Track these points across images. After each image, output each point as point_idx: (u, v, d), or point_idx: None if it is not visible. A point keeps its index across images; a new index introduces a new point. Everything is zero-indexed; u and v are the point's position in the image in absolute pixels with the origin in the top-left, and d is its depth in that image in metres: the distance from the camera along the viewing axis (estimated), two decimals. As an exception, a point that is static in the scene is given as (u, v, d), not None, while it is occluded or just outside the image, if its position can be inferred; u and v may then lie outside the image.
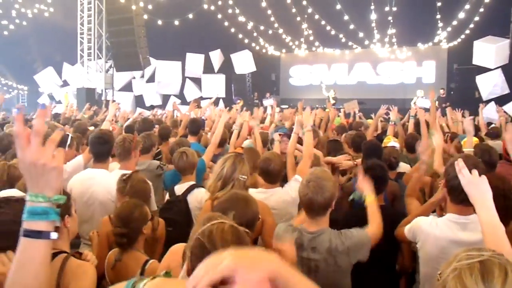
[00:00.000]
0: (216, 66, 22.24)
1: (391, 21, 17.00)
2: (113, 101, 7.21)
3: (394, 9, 16.25)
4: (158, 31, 18.31)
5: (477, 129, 7.03)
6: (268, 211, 3.08)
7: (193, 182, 3.73)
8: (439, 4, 15.80)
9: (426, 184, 3.88)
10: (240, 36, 20.01)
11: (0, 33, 21.05)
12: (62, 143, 1.27)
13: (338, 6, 16.52)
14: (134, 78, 22.60)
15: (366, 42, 19.68)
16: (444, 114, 10.05)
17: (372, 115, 8.48)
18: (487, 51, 16.82)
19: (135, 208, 2.75)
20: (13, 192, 2.67)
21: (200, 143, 5.89)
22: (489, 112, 12.44)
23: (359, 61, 22.19)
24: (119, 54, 17.74)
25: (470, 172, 2.00)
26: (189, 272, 1.53)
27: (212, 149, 4.55)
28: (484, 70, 17.09)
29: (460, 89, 18.18)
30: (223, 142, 5.26)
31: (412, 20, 17.21)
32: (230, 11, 18.17)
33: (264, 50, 22.50)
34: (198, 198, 3.53)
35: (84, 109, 11.33)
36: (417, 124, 6.12)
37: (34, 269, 1.18)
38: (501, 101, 15.00)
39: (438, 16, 16.67)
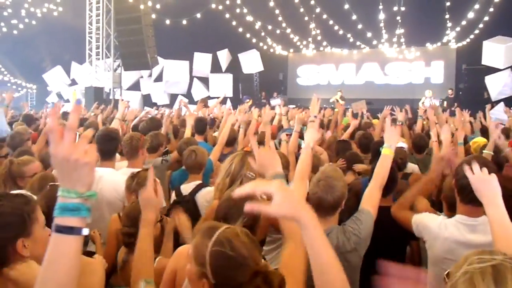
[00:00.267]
0: (224, 66, 22.26)
1: (400, 21, 16.89)
2: (122, 99, 7.18)
3: (403, 9, 16.16)
4: (166, 31, 18.35)
5: (485, 130, 6.99)
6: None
7: (199, 182, 3.72)
8: (448, 3, 15.70)
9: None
10: (248, 35, 19.99)
11: (9, 33, 21.20)
12: None
13: (346, 6, 16.46)
14: (142, 77, 22.67)
15: (374, 42, 19.59)
16: (452, 115, 9.98)
17: (379, 115, 8.46)
18: (497, 51, 16.68)
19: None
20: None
21: (208, 142, 5.90)
22: (498, 113, 12.35)
23: (367, 61, 22.09)
24: (127, 53, 17.81)
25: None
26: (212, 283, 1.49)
27: (219, 149, 4.53)
28: (494, 70, 16.95)
29: (469, 90, 18.03)
30: (232, 141, 5.26)
31: (421, 20, 17.08)
32: (238, 10, 18.16)
33: (271, 50, 22.47)
34: (207, 197, 3.51)
35: (92, 108, 11.38)
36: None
37: (65, 265, 1.18)
38: (510, 101, 14.89)
39: (447, 16, 16.57)
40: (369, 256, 2.53)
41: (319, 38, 20.23)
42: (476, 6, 15.45)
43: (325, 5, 17.73)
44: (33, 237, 1.71)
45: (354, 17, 17.08)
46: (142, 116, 8.29)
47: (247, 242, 1.55)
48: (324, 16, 18.18)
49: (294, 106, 15.47)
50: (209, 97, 19.51)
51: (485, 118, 8.35)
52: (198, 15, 18.06)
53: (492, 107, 11.85)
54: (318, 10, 17.82)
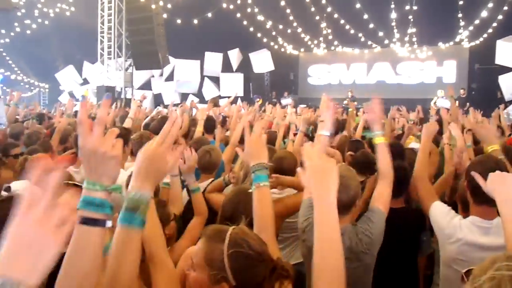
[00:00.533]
0: (235, 65, 22.29)
1: (412, 20, 16.80)
2: (134, 98, 7.18)
3: (415, 8, 16.06)
4: (177, 30, 18.41)
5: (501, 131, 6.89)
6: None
7: (212, 179, 3.65)
8: (461, 2, 15.56)
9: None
10: (259, 35, 20.00)
11: (23, 32, 21.42)
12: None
13: (358, 5, 16.40)
14: (153, 76, 22.78)
15: (386, 41, 19.49)
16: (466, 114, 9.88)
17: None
18: (511, 51, 16.49)
19: (157, 209, 2.74)
20: (24, 184, 2.69)
21: (220, 141, 5.89)
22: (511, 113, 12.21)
23: (379, 61, 21.99)
24: (138, 53, 17.90)
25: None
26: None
27: (231, 150, 4.46)
28: (507, 70, 16.76)
29: (482, 89, 17.87)
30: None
31: (433, 19, 16.94)
32: (249, 10, 18.16)
33: (282, 49, 22.46)
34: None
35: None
36: (439, 123, 6.05)
37: (90, 255, 1.19)
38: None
39: (460, 15, 16.43)
40: (381, 259, 2.51)
41: (330, 37, 20.18)
42: (490, 5, 15.29)
43: (336, 4, 17.68)
44: None
45: (365, 16, 17.00)
46: (153, 115, 8.32)
47: (258, 238, 1.56)
48: (335, 15, 18.13)
49: (304, 105, 15.43)
50: (220, 97, 19.55)
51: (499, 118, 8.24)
52: (209, 15, 18.08)
53: (506, 107, 11.71)
54: (329, 9, 17.77)
